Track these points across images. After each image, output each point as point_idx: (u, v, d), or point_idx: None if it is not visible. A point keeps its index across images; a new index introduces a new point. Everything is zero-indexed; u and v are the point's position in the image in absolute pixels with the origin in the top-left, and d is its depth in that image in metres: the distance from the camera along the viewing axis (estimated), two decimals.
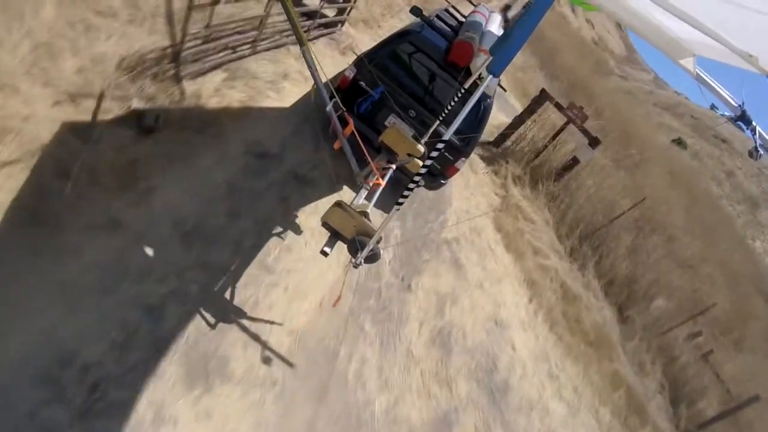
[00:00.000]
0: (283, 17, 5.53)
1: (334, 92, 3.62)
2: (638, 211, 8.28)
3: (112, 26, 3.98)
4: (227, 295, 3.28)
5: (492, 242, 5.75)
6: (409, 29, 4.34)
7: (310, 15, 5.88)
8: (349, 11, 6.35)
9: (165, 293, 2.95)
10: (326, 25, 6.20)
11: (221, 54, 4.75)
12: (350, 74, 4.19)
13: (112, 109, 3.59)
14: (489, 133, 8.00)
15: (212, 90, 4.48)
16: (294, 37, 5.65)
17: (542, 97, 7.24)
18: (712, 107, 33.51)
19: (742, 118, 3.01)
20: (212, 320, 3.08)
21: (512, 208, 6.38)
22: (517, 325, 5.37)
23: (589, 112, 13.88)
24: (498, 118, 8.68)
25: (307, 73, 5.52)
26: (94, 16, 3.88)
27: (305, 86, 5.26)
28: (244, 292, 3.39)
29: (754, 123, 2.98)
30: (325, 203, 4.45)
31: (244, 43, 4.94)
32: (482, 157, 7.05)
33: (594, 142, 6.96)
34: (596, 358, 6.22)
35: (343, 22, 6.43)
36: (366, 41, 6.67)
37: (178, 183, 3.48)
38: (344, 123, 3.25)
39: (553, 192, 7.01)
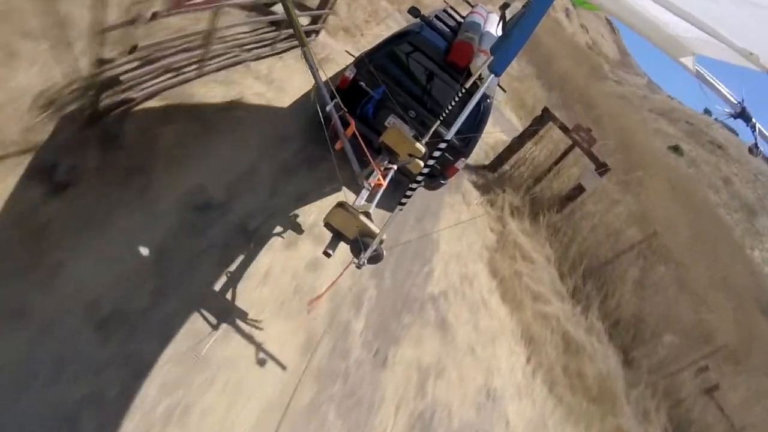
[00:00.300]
0: (243, 29, 4.42)
1: (335, 92, 3.27)
2: (644, 239, 7.20)
3: (38, 50, 3.05)
4: (151, 399, 2.47)
5: (486, 292, 4.69)
6: (408, 29, 4.07)
7: (278, 24, 4.74)
8: (325, 18, 5.20)
9: (80, 397, 2.27)
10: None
11: (160, 79, 3.66)
12: (350, 74, 3.90)
13: (20, 161, 2.75)
14: (484, 154, 6.89)
15: (144, 126, 3.43)
16: (256, 50, 4.58)
17: (545, 117, 6.10)
18: (706, 111, 32.30)
19: (742, 115, 2.79)
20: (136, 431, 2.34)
21: (510, 246, 5.31)
22: (512, 392, 4.34)
23: (588, 121, 12.79)
24: (493, 136, 7.55)
25: (270, 95, 4.47)
26: (19, 40, 3.01)
27: (265, 113, 4.15)
28: (173, 395, 2.53)
29: (754, 120, 2.78)
30: (279, 267, 3.44)
31: (191, 63, 3.83)
32: (476, 185, 5.95)
33: (601, 169, 5.85)
34: (599, 416, 5.24)
35: (318, 32, 5.29)
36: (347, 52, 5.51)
37: (95, 253, 2.64)
38: (345, 123, 3.00)
39: (555, 224, 5.93)
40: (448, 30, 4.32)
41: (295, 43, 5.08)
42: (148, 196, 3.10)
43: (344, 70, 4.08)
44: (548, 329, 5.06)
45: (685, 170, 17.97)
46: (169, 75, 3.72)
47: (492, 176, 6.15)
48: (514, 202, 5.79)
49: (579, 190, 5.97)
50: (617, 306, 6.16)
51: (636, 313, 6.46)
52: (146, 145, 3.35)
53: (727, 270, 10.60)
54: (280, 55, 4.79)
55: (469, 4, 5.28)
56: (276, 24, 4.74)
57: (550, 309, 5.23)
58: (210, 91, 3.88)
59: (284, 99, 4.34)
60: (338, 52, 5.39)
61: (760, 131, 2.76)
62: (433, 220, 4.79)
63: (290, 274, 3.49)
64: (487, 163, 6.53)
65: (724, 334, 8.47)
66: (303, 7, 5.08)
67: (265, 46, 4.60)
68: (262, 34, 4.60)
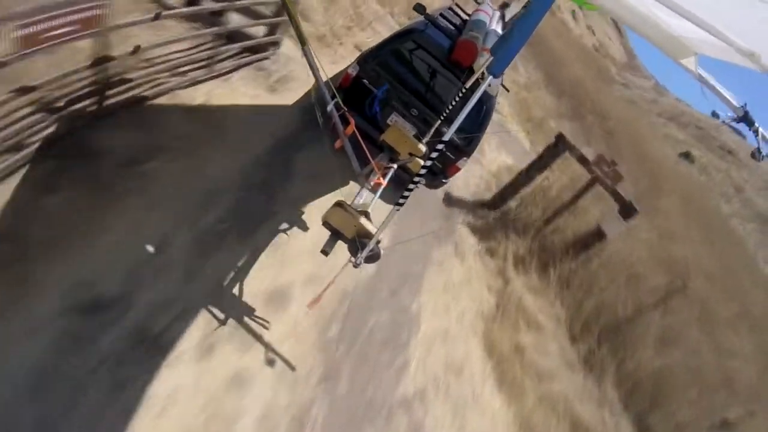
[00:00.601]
0: (178, 46, 3.14)
1: (335, 91, 2.80)
2: (667, 280, 5.79)
3: None
4: None
5: (478, 380, 3.45)
6: (413, 27, 3.80)
7: (225, 37, 3.44)
8: (284, 27, 3.81)
9: None
10: (253, 50, 3.76)
11: (46, 132, 2.50)
12: (353, 72, 3.61)
13: None
14: (485, 185, 5.50)
15: (17, 200, 2.34)
16: (193, 73, 3.31)
17: (559, 145, 4.68)
18: (714, 114, 29.63)
19: (744, 120, 2.55)
20: None
21: (512, 310, 4.03)
22: None
23: (602, 133, 11.06)
24: (498, 160, 6.13)
25: (199, 132, 3.20)
26: None
27: (188, 160, 2.88)
28: None
29: (756, 124, 2.55)
30: (189, 387, 2.26)
31: (88, 104, 2.61)
32: (474, 229, 4.61)
33: (627, 211, 4.45)
34: None
35: (277, 43, 3.97)
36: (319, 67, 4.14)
37: None
38: (346, 122, 2.63)
39: (567, 276, 4.58)
40: (453, 28, 3.98)
41: (249, 59, 3.79)
42: (22, 300, 2.14)
43: (347, 67, 3.80)
44: (553, 416, 3.80)
45: (696, 179, 16.10)
46: (55, 124, 2.52)
47: (493, 216, 4.80)
48: (520, 251, 4.46)
49: (598, 236, 4.60)
50: (636, 369, 4.83)
51: (656, 371, 5.14)
52: (18, 228, 2.26)
53: (747, 297, 9.07)
54: (225, 77, 3.51)
55: (476, 1, 4.65)
56: (222, 37, 3.44)
57: (557, 387, 3.97)
58: (112, 139, 2.66)
59: (219, 135, 3.07)
60: (305, 66, 4.02)
61: (763, 136, 2.57)
62: (414, 287, 3.52)
63: (203, 396, 2.32)
64: (488, 197, 5.15)
65: (746, 378, 7.12)
66: (257, 15, 3.76)
67: (205, 66, 3.32)
68: (202, 51, 3.32)
